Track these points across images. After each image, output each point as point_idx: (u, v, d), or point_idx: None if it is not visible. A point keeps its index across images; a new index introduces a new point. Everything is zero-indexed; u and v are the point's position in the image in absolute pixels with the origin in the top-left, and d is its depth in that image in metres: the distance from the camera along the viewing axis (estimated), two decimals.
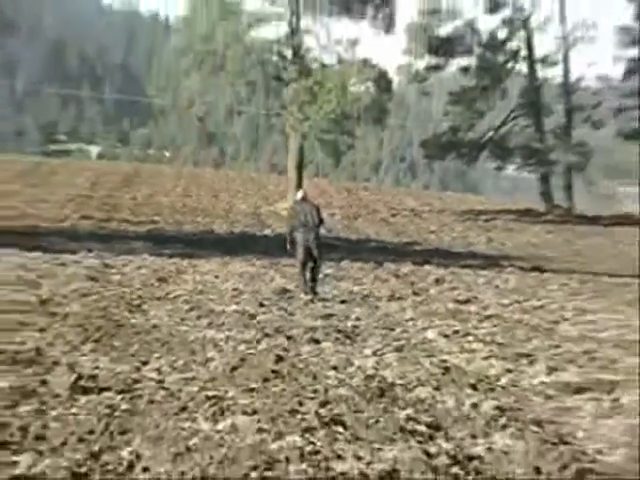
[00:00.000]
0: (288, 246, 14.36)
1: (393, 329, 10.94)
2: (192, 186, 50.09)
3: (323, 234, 15.14)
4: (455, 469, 5.25)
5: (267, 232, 30.87)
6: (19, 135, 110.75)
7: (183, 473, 4.90)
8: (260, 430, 5.75)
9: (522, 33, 51.47)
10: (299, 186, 39.95)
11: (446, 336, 10.51)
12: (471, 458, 5.50)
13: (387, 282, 17.13)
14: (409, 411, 6.51)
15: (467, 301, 14.34)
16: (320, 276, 14.79)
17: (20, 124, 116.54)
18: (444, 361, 8.77)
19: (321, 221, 14.44)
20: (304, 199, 14.97)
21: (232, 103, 45.12)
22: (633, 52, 47.90)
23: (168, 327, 9.94)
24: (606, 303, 14.81)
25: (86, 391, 6.65)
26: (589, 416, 6.74)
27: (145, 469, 4.97)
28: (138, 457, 5.15)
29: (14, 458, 5.04)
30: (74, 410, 6.10)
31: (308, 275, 14.15)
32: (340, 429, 5.95)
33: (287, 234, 14.45)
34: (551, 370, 8.46)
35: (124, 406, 6.31)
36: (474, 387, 7.56)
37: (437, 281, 17.55)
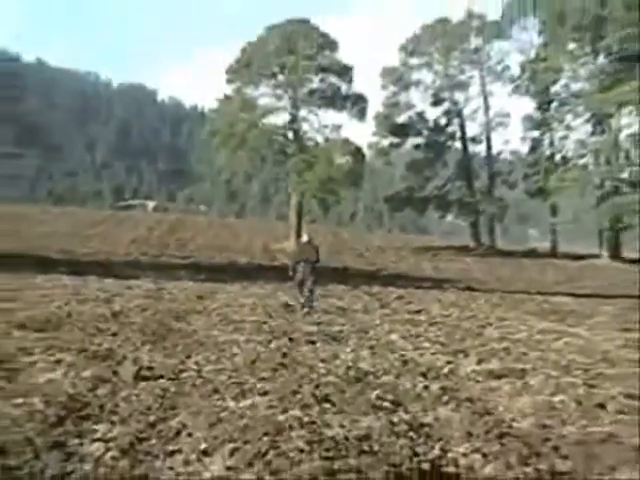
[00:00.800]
0: (291, 273, 14.17)
1: (366, 332, 10.93)
2: (221, 231, 50.10)
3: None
4: (411, 433, 5.27)
5: (275, 263, 30.80)
6: (97, 194, 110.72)
7: (215, 437, 4.92)
8: (271, 406, 5.77)
9: (457, 120, 52.34)
10: (299, 231, 40.13)
11: (404, 337, 10.51)
12: (423, 425, 5.53)
13: (361, 299, 17.08)
14: (378, 392, 6.52)
15: (419, 312, 14.31)
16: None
17: (97, 186, 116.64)
18: (403, 356, 8.77)
19: (318, 259, 14.05)
20: (309, 242, 14.44)
21: (249, 170, 45.24)
22: (535, 134, 48.57)
23: (204, 332, 9.92)
24: (518, 313, 14.87)
25: (145, 378, 6.65)
26: (506, 395, 6.77)
27: (189, 434, 5.00)
28: (184, 426, 5.17)
29: (94, 427, 5.06)
30: (137, 392, 6.09)
31: (306, 293, 13.86)
32: (329, 405, 5.96)
33: (291, 266, 14.19)
34: (480, 361, 8.50)
35: (173, 389, 6.31)
36: (424, 375, 7.58)
37: (398, 298, 17.54)
